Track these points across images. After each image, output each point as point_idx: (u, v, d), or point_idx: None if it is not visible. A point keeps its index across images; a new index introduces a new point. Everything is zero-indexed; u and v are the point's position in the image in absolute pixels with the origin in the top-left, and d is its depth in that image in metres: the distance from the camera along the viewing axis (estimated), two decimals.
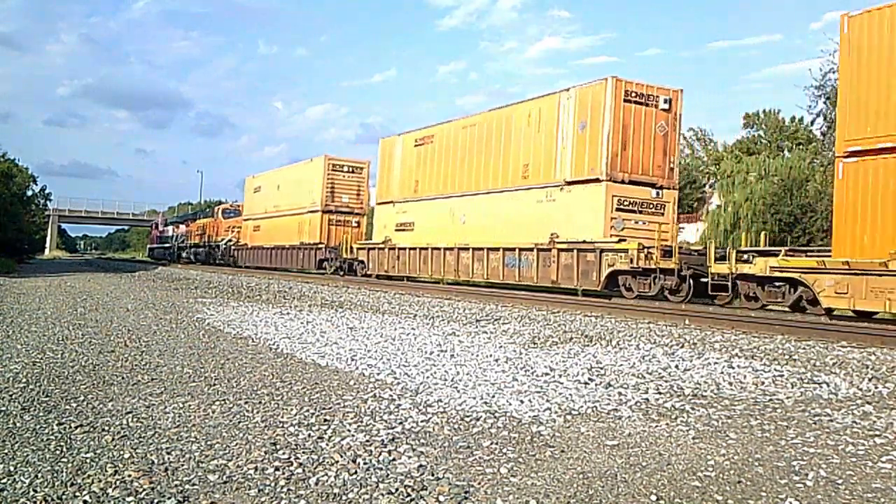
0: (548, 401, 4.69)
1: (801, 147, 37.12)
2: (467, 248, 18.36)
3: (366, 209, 28.01)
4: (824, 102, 20.52)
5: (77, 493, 2.82)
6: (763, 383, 5.49)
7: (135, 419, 4.00)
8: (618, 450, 3.62)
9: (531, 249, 16.31)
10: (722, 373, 5.86)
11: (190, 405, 4.37)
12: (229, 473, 3.11)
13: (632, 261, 13.95)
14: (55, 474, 3.03)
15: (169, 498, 2.79)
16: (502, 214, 17.45)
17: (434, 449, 3.55)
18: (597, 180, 14.93)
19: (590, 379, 5.51)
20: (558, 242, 15.65)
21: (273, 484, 2.98)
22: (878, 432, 4.05)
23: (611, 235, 14.69)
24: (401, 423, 4.05)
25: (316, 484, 3.00)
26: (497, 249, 17.34)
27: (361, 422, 4.04)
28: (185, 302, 12.79)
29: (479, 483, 3.06)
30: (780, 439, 3.87)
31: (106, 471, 3.08)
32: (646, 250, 13.90)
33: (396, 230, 21.73)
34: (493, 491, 2.96)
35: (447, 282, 19.78)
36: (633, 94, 15.00)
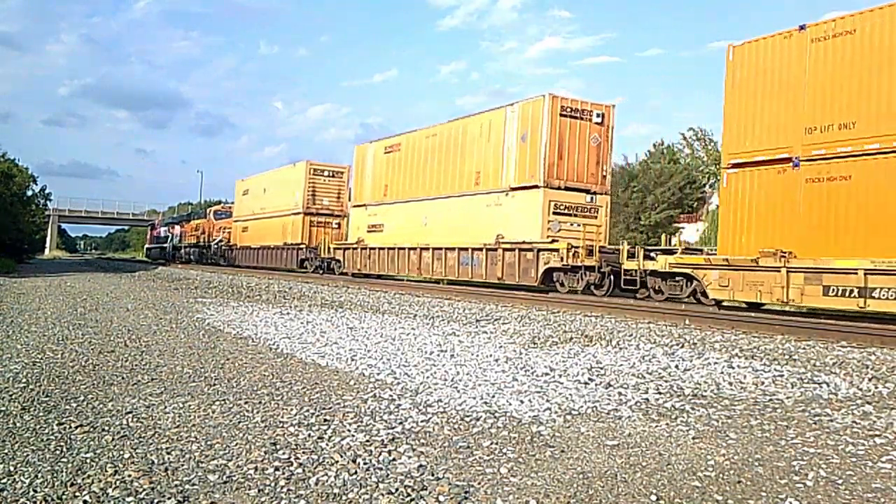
0: (548, 401, 4.69)
1: None
2: (428, 248, 20.29)
3: (346, 211, 29.44)
4: None
5: (77, 493, 2.81)
6: (763, 383, 5.49)
7: (135, 419, 4.00)
8: (618, 450, 3.62)
9: (481, 249, 18.23)
10: (722, 373, 5.86)
11: (190, 405, 4.37)
12: (229, 473, 3.11)
13: (562, 259, 15.81)
14: (55, 474, 3.03)
15: (169, 498, 2.79)
16: (458, 217, 19.28)
17: (434, 449, 3.55)
18: (535, 187, 16.66)
19: (590, 379, 5.51)
20: (503, 243, 17.46)
21: (273, 484, 2.98)
22: (878, 432, 4.05)
23: (548, 236, 16.39)
24: (401, 423, 4.05)
25: (316, 484, 3.00)
26: (453, 249, 19.29)
27: (361, 422, 4.04)
28: (184, 302, 12.79)
29: (479, 483, 3.06)
30: (780, 439, 3.87)
31: (106, 471, 3.08)
32: (573, 249, 15.72)
33: (368, 231, 23.73)
34: (493, 491, 2.96)
35: (447, 281, 19.94)
36: (569, 109, 16.77)
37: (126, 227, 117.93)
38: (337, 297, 14.39)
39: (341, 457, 3.36)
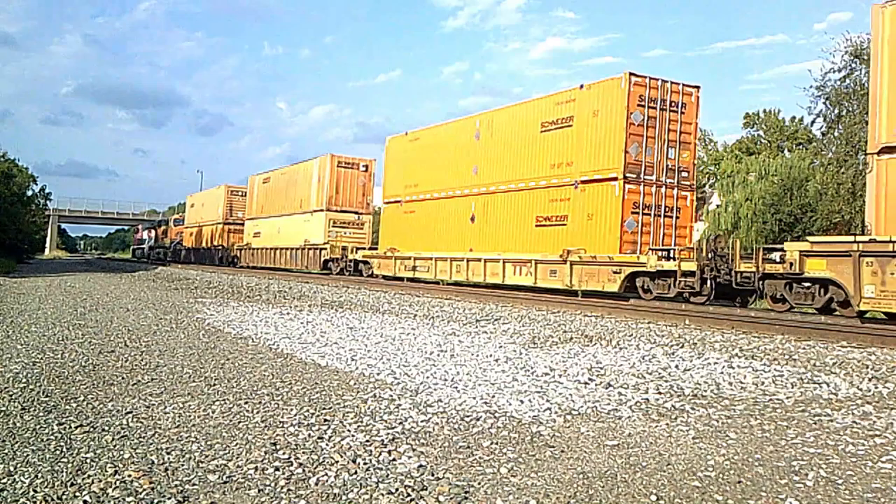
0: (548, 401, 4.69)
1: (801, 147, 37.11)
2: (279, 248, 31.11)
3: None
4: (824, 103, 20.93)
5: (77, 493, 2.81)
6: (763, 383, 5.49)
7: (135, 419, 4.00)
8: (618, 450, 3.62)
9: (299, 249, 28.57)
10: (722, 373, 5.86)
11: (190, 405, 4.37)
12: (229, 473, 3.11)
13: (329, 253, 25.89)
14: (55, 474, 3.03)
15: (169, 498, 2.79)
16: (292, 228, 29.74)
17: (434, 449, 3.55)
18: (321, 210, 27.04)
19: (590, 379, 5.51)
20: (308, 245, 27.70)
21: (273, 484, 2.98)
22: (878, 432, 4.05)
23: (327, 241, 26.39)
24: (401, 423, 4.05)
25: (316, 484, 3.00)
26: (288, 249, 29.89)
27: (361, 422, 4.04)
28: (184, 302, 12.79)
29: (479, 483, 3.06)
30: (780, 439, 3.87)
31: (106, 471, 3.08)
32: (334, 247, 25.81)
33: (253, 237, 34.91)
34: (493, 491, 2.96)
35: (448, 282, 20.28)
36: (344, 163, 27.48)
37: (126, 227, 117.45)
38: (337, 297, 14.39)
39: (341, 457, 3.36)
